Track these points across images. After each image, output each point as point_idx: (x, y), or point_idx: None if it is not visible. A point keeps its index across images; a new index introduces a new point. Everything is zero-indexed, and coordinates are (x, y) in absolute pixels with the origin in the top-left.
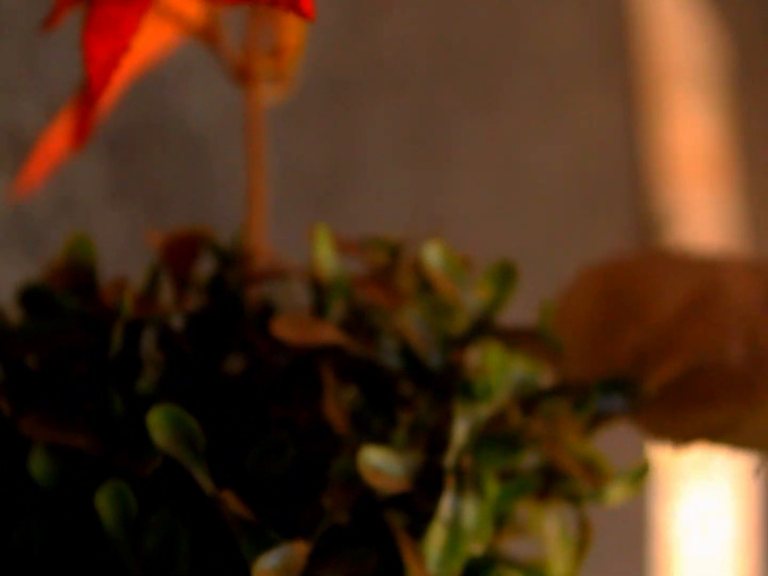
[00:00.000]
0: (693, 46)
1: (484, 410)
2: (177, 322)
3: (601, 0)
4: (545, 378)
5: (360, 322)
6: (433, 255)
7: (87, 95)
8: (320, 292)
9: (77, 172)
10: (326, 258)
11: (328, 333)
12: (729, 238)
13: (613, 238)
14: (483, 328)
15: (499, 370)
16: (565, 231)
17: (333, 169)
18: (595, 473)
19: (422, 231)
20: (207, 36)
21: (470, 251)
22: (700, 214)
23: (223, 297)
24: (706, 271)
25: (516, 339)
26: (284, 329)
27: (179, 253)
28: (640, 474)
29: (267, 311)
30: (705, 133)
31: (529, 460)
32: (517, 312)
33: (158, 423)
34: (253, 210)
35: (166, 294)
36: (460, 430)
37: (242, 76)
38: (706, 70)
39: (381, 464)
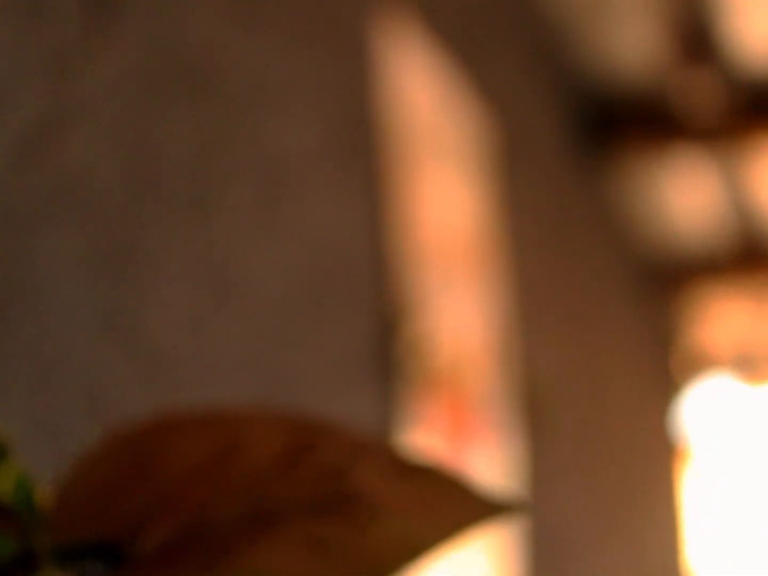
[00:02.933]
0: (456, 129)
1: None
2: None
3: (344, 95)
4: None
5: None
6: None
7: None
8: None
9: None
10: None
11: None
12: (492, 321)
13: (357, 331)
14: None
15: None
16: (299, 331)
17: (4, 295)
18: None
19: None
20: None
21: (180, 360)
22: (460, 298)
23: None
24: (230, 429)
25: None
26: None
27: None
28: None
29: None
30: (468, 217)
31: None
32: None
33: None
34: None
35: None
36: None
37: None
38: (470, 153)
39: None
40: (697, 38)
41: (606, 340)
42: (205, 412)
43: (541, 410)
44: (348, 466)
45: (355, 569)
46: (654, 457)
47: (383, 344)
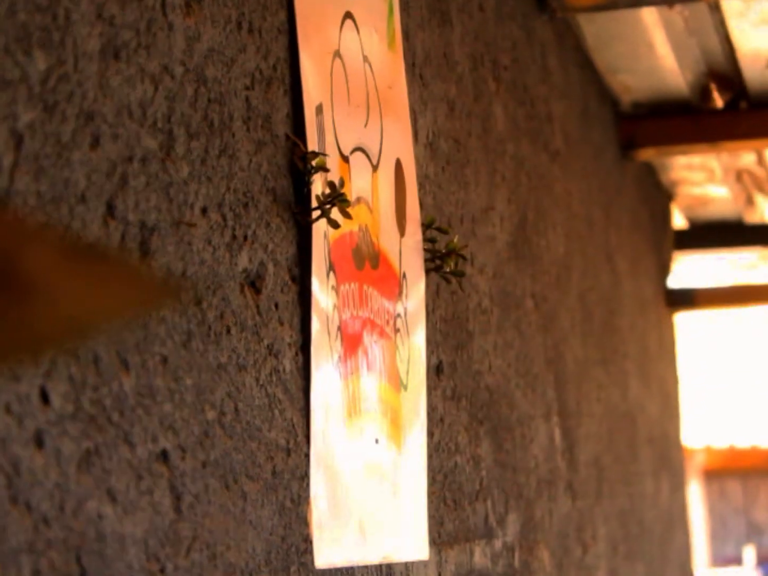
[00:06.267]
0: None
1: None
2: None
3: None
4: None
5: None
6: None
7: None
8: None
9: None
10: None
11: None
12: (415, 168)
13: (277, 170)
14: None
15: None
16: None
17: None
18: None
19: None
20: None
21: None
22: (374, 137)
23: None
24: None
25: None
26: None
27: None
28: None
29: None
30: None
31: None
32: None
33: None
34: None
35: None
36: None
37: None
38: None
39: None
40: None
41: (581, 192)
42: None
43: (459, 258)
44: (16, 247)
45: (15, 341)
46: (642, 310)
47: (301, 182)
